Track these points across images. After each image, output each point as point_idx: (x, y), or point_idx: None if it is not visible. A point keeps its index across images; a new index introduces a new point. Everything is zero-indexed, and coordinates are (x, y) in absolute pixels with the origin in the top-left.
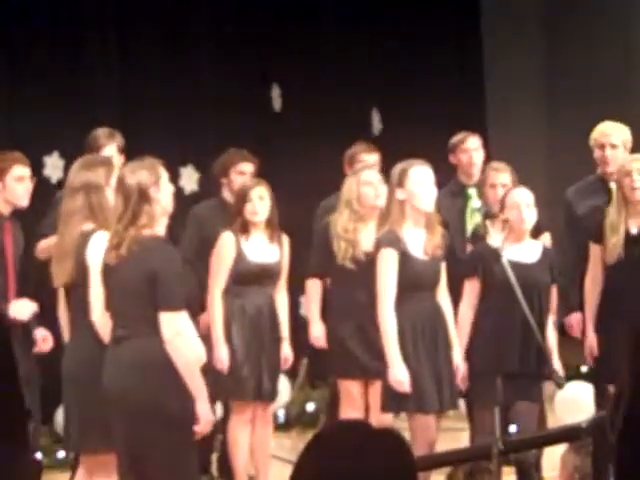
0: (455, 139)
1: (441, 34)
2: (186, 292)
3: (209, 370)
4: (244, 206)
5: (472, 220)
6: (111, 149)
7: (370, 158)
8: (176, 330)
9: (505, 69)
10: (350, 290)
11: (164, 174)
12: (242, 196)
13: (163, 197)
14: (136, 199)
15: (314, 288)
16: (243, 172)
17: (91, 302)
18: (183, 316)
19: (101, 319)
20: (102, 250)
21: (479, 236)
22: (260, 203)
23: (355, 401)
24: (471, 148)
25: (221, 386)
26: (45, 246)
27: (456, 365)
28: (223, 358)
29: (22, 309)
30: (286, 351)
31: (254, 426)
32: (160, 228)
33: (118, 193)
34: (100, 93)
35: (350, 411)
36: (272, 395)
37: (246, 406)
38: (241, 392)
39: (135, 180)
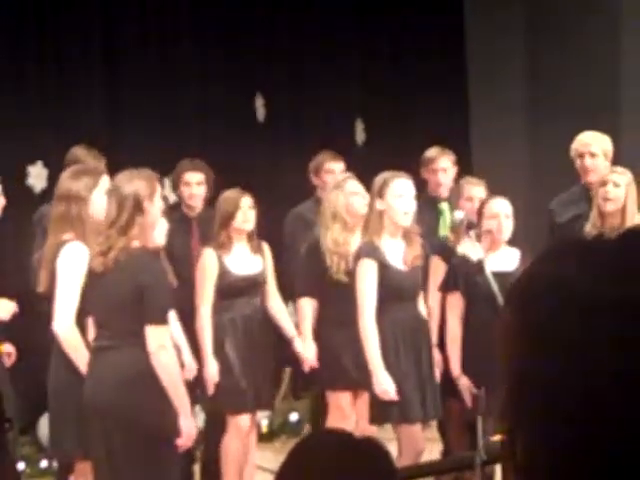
0: (428, 155)
1: (426, 47)
2: (171, 305)
3: (203, 384)
4: (233, 216)
5: (445, 232)
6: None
7: (336, 167)
8: (160, 343)
9: (488, 82)
10: (344, 303)
11: (159, 187)
12: (230, 207)
13: (155, 210)
14: (130, 209)
15: (307, 307)
16: (188, 182)
17: (55, 312)
18: (167, 330)
19: (67, 330)
20: (74, 260)
21: (447, 247)
22: (250, 212)
23: (344, 413)
24: (439, 169)
25: (220, 400)
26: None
27: (456, 374)
28: (213, 374)
29: (2, 308)
30: (300, 349)
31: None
32: (149, 239)
33: (112, 199)
34: (84, 102)
35: (339, 423)
36: (270, 403)
37: (244, 418)
38: (241, 404)
39: (131, 189)
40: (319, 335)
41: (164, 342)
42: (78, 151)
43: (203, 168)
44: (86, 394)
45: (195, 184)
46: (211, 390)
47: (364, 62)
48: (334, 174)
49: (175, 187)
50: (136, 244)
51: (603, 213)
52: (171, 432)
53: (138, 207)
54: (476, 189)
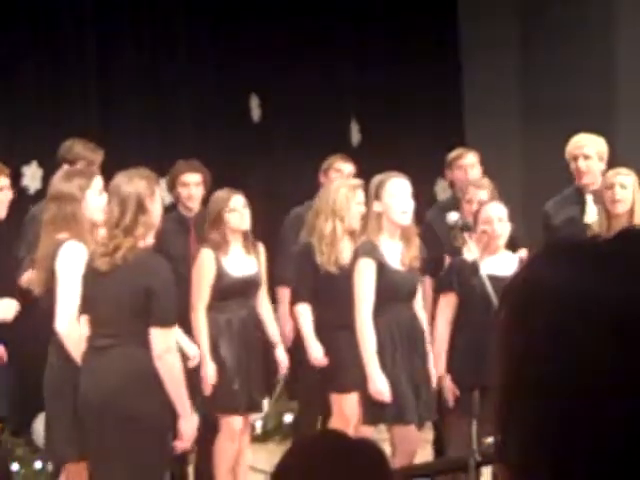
0: (452, 155)
1: (421, 47)
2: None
3: (198, 385)
4: (220, 215)
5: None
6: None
7: (345, 168)
8: (166, 346)
9: (484, 82)
10: (341, 304)
11: (158, 187)
12: (218, 206)
13: (157, 209)
14: (133, 208)
15: (306, 312)
16: (186, 183)
17: (57, 311)
18: (174, 332)
19: (69, 329)
20: (74, 259)
21: (455, 249)
22: (245, 211)
23: (349, 416)
24: (467, 164)
25: (212, 401)
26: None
27: (440, 374)
28: (210, 375)
29: (6, 309)
30: (282, 357)
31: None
32: (150, 240)
33: (113, 199)
34: (79, 103)
35: (344, 426)
36: (261, 406)
37: (237, 420)
38: (234, 406)
39: (133, 189)
40: (320, 339)
41: (170, 345)
42: (73, 144)
43: (200, 169)
44: (83, 393)
45: (193, 185)
46: (208, 391)
47: (359, 63)
48: (342, 174)
49: (171, 188)
50: (142, 244)
51: (611, 215)
52: (165, 433)
53: (140, 207)
54: (478, 192)
